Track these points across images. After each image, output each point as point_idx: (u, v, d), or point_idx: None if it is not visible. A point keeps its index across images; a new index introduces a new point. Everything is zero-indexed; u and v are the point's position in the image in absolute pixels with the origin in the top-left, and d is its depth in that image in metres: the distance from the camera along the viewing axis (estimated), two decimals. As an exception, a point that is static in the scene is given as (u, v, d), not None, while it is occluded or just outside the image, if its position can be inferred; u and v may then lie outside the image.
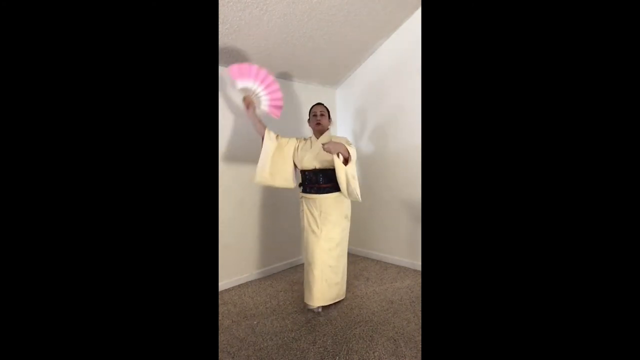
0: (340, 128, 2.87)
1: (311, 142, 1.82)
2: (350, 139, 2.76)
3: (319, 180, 1.76)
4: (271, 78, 1.70)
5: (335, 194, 1.76)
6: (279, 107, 1.76)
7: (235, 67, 1.61)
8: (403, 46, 2.27)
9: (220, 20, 1.68)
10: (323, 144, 1.57)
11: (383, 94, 2.47)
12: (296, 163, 1.81)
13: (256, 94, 1.70)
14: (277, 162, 1.77)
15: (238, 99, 2.16)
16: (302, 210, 1.83)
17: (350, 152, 1.60)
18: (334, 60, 2.39)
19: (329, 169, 1.72)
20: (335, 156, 1.58)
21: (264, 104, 1.72)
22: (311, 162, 1.75)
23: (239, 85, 1.65)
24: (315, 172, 1.76)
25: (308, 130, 2.04)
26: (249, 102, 1.70)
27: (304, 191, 1.81)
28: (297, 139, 1.86)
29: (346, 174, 1.62)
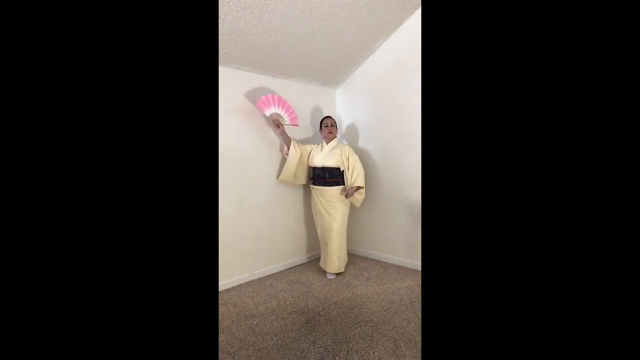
0: (340, 128, 2.87)
1: (322, 146, 2.36)
2: (350, 139, 2.77)
3: (325, 176, 2.30)
4: (286, 102, 2.24)
5: (336, 188, 2.28)
6: (295, 118, 2.28)
7: (260, 101, 2.14)
8: (403, 46, 2.27)
9: (220, 20, 1.68)
10: (342, 194, 2.30)
11: (383, 94, 2.47)
12: (309, 162, 2.39)
13: (280, 115, 2.23)
14: (299, 166, 2.36)
15: (242, 101, 2.17)
16: (313, 199, 2.37)
17: (358, 182, 2.24)
18: (334, 60, 2.39)
19: (333, 168, 2.29)
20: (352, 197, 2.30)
21: (286, 121, 2.26)
22: (320, 162, 2.31)
23: (266, 113, 2.18)
24: (322, 169, 2.30)
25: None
26: (277, 123, 2.22)
27: (314, 184, 2.35)
28: (311, 145, 2.40)
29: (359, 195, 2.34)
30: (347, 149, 2.31)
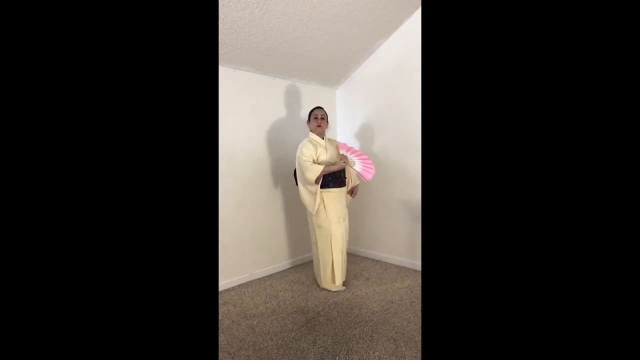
0: (340, 128, 2.87)
1: (325, 144, 2.04)
2: (350, 139, 2.77)
3: (341, 176, 2.04)
4: (364, 155, 1.97)
5: (344, 188, 2.09)
6: (369, 172, 1.94)
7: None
8: (403, 46, 2.27)
9: (220, 20, 1.68)
10: (349, 193, 2.13)
11: (383, 94, 2.47)
12: (318, 162, 1.99)
13: (351, 158, 1.95)
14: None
15: (242, 101, 2.17)
16: (329, 206, 1.97)
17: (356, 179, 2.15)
18: (334, 60, 2.39)
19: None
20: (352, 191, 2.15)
21: (358, 166, 1.95)
22: (334, 160, 2.00)
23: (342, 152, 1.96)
24: None
25: (306, 130, 2.21)
26: (347, 160, 1.95)
27: (327, 187, 1.97)
28: (311, 145, 1.99)
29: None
30: (335, 145, 2.10)
